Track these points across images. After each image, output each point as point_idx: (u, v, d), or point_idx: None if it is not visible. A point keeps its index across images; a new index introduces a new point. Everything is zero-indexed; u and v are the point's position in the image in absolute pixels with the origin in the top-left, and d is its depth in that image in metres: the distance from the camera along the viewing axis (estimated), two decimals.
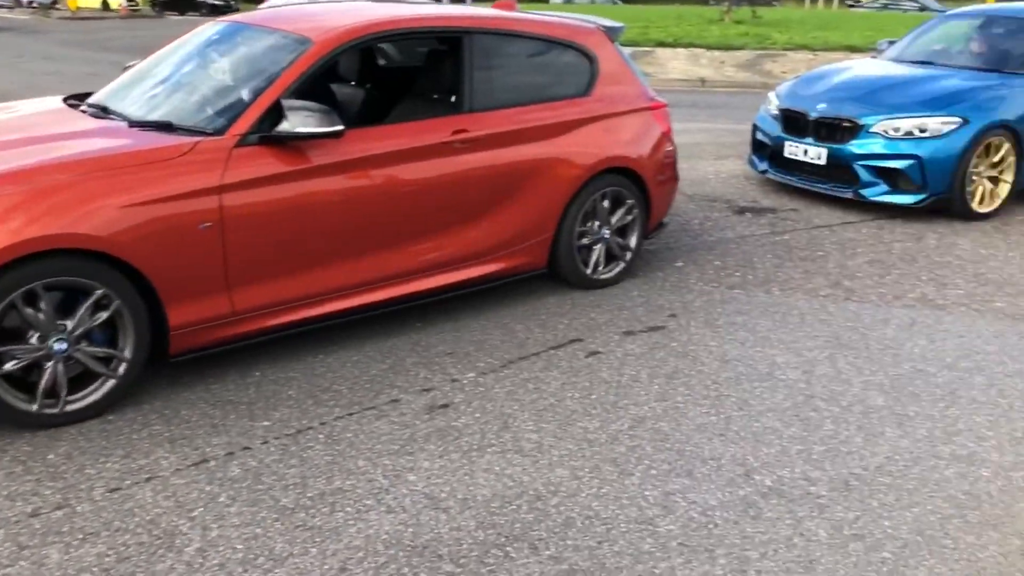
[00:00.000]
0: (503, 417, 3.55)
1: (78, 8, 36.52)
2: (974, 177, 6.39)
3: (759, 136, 7.35)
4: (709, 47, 17.49)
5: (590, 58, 4.92)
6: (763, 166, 7.27)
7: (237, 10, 42.95)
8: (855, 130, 6.48)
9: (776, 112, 7.16)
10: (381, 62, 5.44)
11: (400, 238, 4.15)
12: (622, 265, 5.04)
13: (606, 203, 4.88)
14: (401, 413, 3.56)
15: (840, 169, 6.58)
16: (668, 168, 5.25)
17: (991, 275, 5.38)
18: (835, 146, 6.57)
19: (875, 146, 6.41)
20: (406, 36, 4.66)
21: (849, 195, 6.57)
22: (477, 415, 3.56)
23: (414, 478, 3.12)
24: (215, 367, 3.87)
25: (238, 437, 3.34)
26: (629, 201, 4.97)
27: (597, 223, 4.88)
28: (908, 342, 4.38)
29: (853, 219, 6.48)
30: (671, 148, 5.26)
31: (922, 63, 7.49)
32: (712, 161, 8.35)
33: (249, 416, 3.50)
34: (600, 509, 2.96)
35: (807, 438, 3.44)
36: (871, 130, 6.42)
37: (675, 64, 16.61)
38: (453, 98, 4.44)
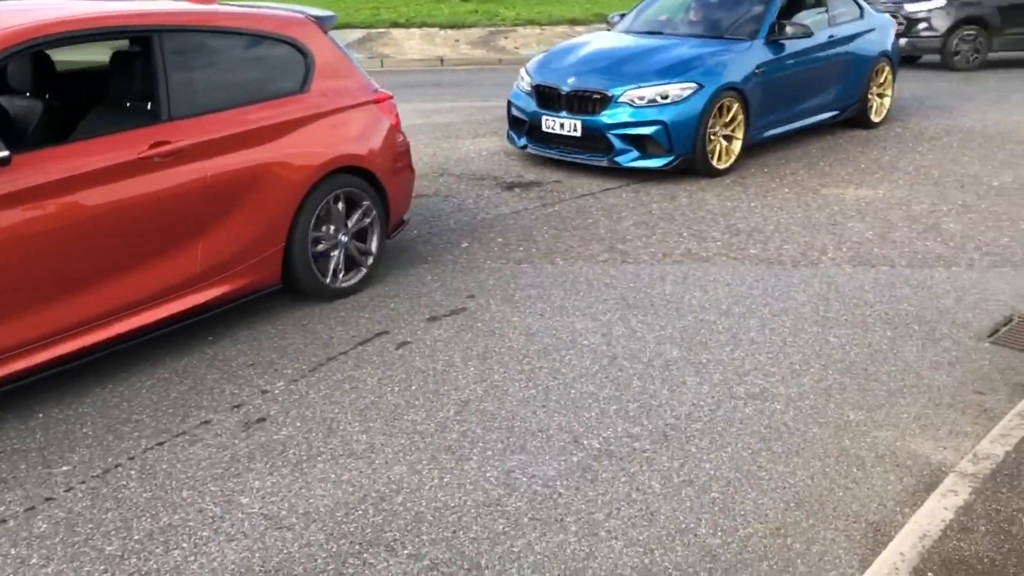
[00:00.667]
0: (326, 422, 3.45)
1: None
2: (711, 137, 6.94)
3: (515, 112, 7.56)
4: (442, 26, 17.70)
5: (303, 52, 4.57)
6: (522, 141, 7.49)
7: None
8: (604, 101, 6.84)
9: (529, 88, 7.41)
10: (62, 69, 4.71)
11: (100, 273, 3.62)
12: (364, 271, 4.78)
13: (340, 206, 4.59)
14: (216, 434, 3.35)
15: (594, 139, 6.93)
16: (401, 162, 5.04)
17: (740, 225, 5.92)
18: (588, 118, 6.90)
19: (624, 115, 6.79)
20: (86, 38, 3.83)
21: (604, 163, 6.96)
22: (298, 424, 3.43)
23: (247, 500, 2.95)
24: None
25: (36, 488, 3.00)
26: (365, 202, 4.72)
27: (333, 228, 4.58)
28: (686, 295, 4.73)
29: (612, 185, 6.86)
30: (402, 140, 5.05)
31: (652, 33, 8.02)
32: (471, 139, 8.49)
33: (43, 463, 3.15)
34: (447, 499, 2.97)
35: (620, 397, 3.63)
36: (619, 100, 6.80)
37: (411, 44, 16.65)
38: (149, 106, 3.93)
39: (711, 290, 4.80)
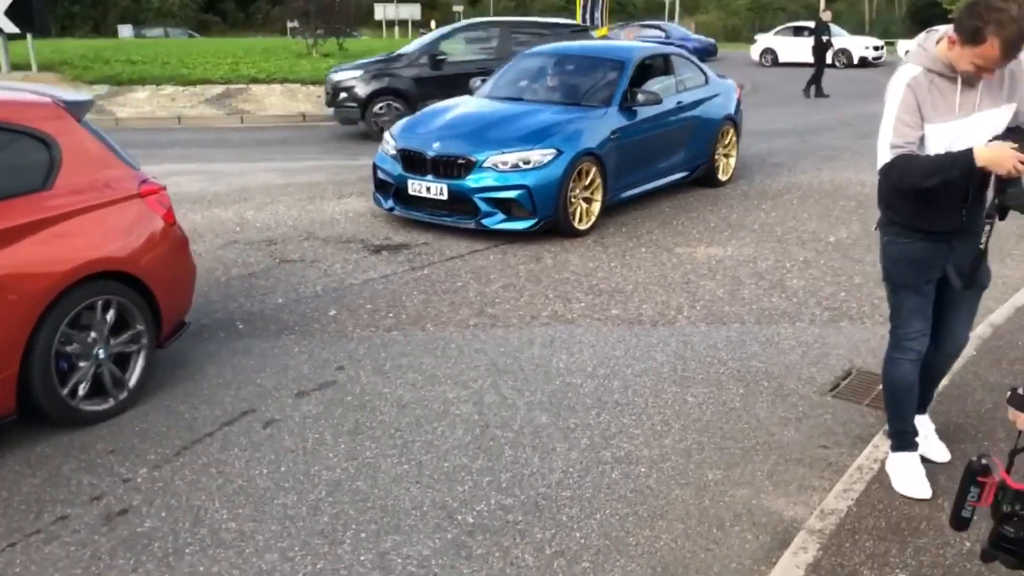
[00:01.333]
0: (193, 510, 3.35)
1: None
2: (572, 199, 7.22)
3: (381, 176, 7.68)
4: (303, 82, 17.64)
5: (46, 143, 3.95)
6: (389, 204, 7.61)
7: None
8: (470, 166, 7.06)
9: (395, 152, 7.54)
10: None
11: None
12: (112, 403, 4.09)
13: (100, 315, 4.01)
14: (74, 531, 3.21)
15: (461, 202, 7.13)
16: (176, 261, 4.50)
17: (602, 285, 6.15)
18: (454, 182, 7.10)
19: (489, 179, 7.03)
20: None
21: (472, 225, 7.14)
22: (163, 514, 3.33)
23: None
24: None
25: None
26: (128, 317, 4.14)
27: (88, 340, 3.98)
28: (553, 358, 4.87)
29: (480, 247, 7.00)
30: (178, 235, 4.53)
31: (513, 99, 8.34)
32: (337, 200, 8.48)
33: None
34: None
35: (493, 468, 3.70)
36: (483, 165, 7.04)
37: (272, 100, 16.51)
38: None
39: (577, 352, 4.96)
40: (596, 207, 7.51)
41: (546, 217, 7.07)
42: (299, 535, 3.22)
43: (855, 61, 29.65)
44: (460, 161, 7.09)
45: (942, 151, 3.04)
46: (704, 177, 9.24)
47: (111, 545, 3.13)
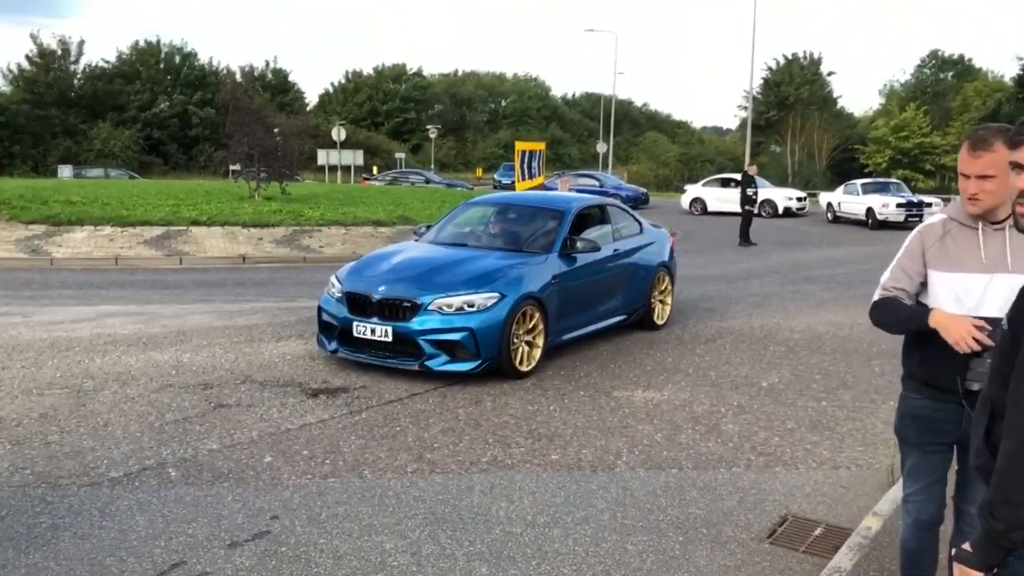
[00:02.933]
0: None
1: None
2: (515, 341, 7.41)
3: (325, 318, 7.79)
4: (245, 224, 17.81)
5: None
6: (333, 346, 7.68)
7: None
8: (415, 308, 7.24)
9: (340, 295, 7.69)
10: None
11: None
12: None
13: None
14: None
15: (406, 344, 7.26)
16: None
17: (542, 430, 6.18)
18: (399, 324, 7.25)
19: (433, 322, 7.19)
20: None
21: (415, 367, 7.23)
22: None
23: None
24: None
25: None
26: None
27: None
28: (493, 506, 4.83)
29: (419, 390, 7.01)
30: None
31: (457, 245, 8.68)
32: (275, 343, 8.45)
33: None
34: None
35: None
36: (429, 308, 7.23)
37: (213, 242, 16.58)
38: None
39: (516, 499, 4.93)
40: (538, 351, 7.69)
41: (490, 359, 7.22)
42: None
43: (780, 211, 31.09)
44: (406, 304, 7.26)
45: (950, 299, 2.98)
46: (641, 321, 9.56)
47: None
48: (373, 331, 7.34)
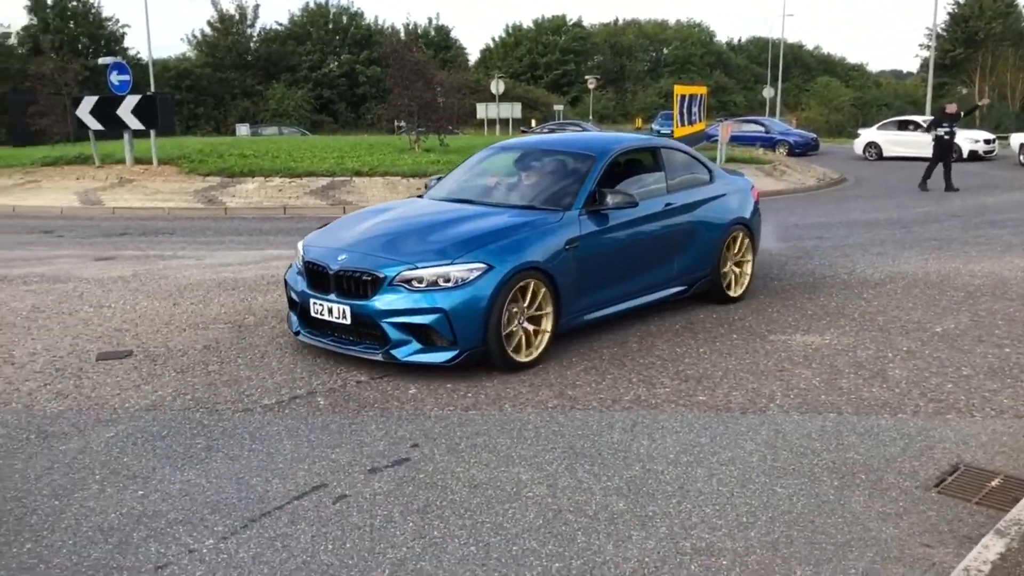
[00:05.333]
0: None
1: None
2: (511, 324, 5.82)
3: (291, 294, 6.40)
4: (404, 174, 18.17)
5: None
6: (295, 327, 6.35)
7: None
8: (376, 283, 5.71)
9: (301, 266, 6.31)
10: None
11: None
12: None
13: None
14: None
15: (367, 327, 5.78)
16: None
17: (689, 371, 5.93)
18: (357, 302, 5.76)
19: (398, 300, 5.64)
20: None
21: (379, 357, 5.73)
22: None
23: None
24: None
25: None
26: None
27: None
28: (634, 443, 4.67)
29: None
30: None
31: (461, 201, 6.94)
32: None
33: None
34: None
35: (563, 554, 3.51)
36: (393, 283, 5.67)
37: (374, 192, 17.01)
38: None
39: (659, 438, 4.75)
40: (545, 336, 6.06)
41: (470, 348, 5.64)
42: None
43: (965, 155, 28.77)
44: (365, 278, 5.74)
45: None
46: (708, 292, 7.75)
47: None
48: (330, 310, 5.89)
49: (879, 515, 3.84)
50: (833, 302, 7.96)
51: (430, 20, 76.54)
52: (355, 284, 5.80)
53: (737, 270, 7.99)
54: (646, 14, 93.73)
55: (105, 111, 18.43)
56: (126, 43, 63.34)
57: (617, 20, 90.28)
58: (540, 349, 6.03)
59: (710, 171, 8.00)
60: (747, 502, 3.98)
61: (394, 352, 5.68)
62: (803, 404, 5.28)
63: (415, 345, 5.66)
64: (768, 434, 4.80)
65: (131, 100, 18.29)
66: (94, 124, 18.71)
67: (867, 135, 32.13)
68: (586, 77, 64.41)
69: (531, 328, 5.98)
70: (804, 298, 8.13)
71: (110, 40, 60.33)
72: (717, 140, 23.33)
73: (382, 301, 5.66)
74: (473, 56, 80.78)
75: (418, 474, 4.26)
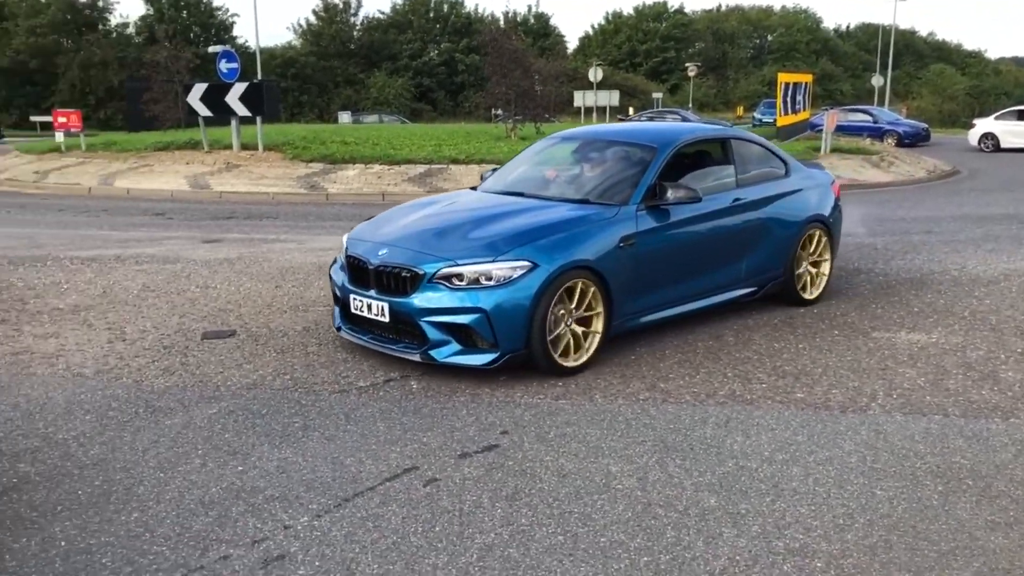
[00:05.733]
0: (345, 563, 3.35)
1: None
2: (557, 327, 5.50)
3: (335, 288, 6.21)
4: (499, 162, 18.22)
5: None
6: (338, 323, 6.18)
7: (2, 137, 40.44)
8: (415, 280, 5.45)
9: (343, 260, 6.15)
10: None
11: None
12: None
13: None
14: (233, 570, 3.27)
15: (407, 326, 5.55)
16: None
17: (787, 367, 5.78)
18: (396, 299, 5.52)
19: (439, 298, 5.37)
20: None
21: (417, 357, 5.47)
22: (317, 563, 3.34)
23: None
24: (18, 537, 3.42)
25: None
26: None
27: None
28: (727, 439, 4.58)
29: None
30: None
31: (514, 194, 6.63)
32: None
33: None
34: None
35: (652, 548, 3.47)
36: (433, 280, 5.40)
37: (470, 179, 17.12)
38: None
39: (753, 435, 4.64)
40: (595, 339, 5.73)
41: (512, 351, 5.34)
42: None
43: None
44: (404, 274, 5.48)
45: None
46: (781, 294, 7.28)
47: None
48: (369, 307, 5.68)
49: (987, 524, 3.67)
50: (941, 299, 7.63)
51: (529, 8, 76.99)
52: (394, 280, 5.55)
53: (813, 271, 7.48)
54: (750, 0, 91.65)
55: (214, 98, 19.08)
56: (235, 32, 65.36)
57: (720, 6, 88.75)
58: (590, 352, 5.70)
59: (786, 164, 7.46)
60: (844, 504, 3.85)
61: (432, 353, 5.42)
62: (907, 405, 5.08)
63: (454, 346, 5.39)
64: (868, 434, 4.64)
65: (239, 87, 18.87)
66: (203, 110, 19.39)
67: (983, 125, 30.64)
68: (686, 65, 63.40)
69: (580, 330, 5.65)
70: (910, 294, 7.82)
71: (220, 29, 62.55)
72: (822, 130, 22.63)
73: (421, 299, 5.40)
74: (572, 44, 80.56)
75: (507, 461, 4.27)
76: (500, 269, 5.33)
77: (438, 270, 5.39)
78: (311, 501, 3.85)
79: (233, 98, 18.82)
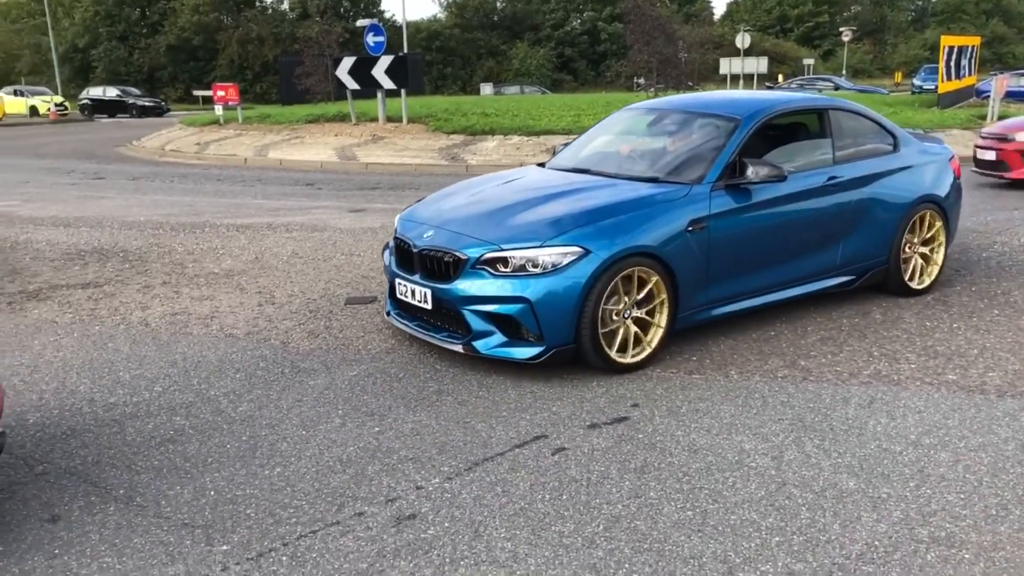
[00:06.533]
0: (473, 525, 3.42)
1: (4, 115, 36.15)
2: (613, 319, 5.02)
3: (386, 272, 5.91)
4: None
5: None
6: (388, 306, 5.85)
7: (168, 110, 43.03)
8: (459, 265, 5.04)
9: (392, 242, 5.79)
10: None
11: None
12: None
13: None
14: (367, 527, 3.40)
15: (449, 315, 5.17)
16: None
17: (939, 347, 5.46)
18: (439, 285, 5.13)
19: (482, 286, 4.94)
20: None
21: (459, 348, 5.08)
22: (446, 525, 3.42)
23: None
24: (173, 485, 3.68)
25: (196, 565, 3.14)
26: None
27: None
28: (870, 420, 4.38)
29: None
30: None
31: (579, 171, 6.09)
32: None
33: (206, 540, 3.31)
34: None
35: (785, 528, 3.37)
36: (476, 265, 4.98)
37: None
38: None
39: (899, 417, 4.42)
40: (658, 333, 5.17)
41: (559, 344, 4.88)
42: (571, 565, 3.14)
43: None
44: (447, 258, 5.09)
45: None
46: (884, 283, 6.54)
47: (396, 546, 3.27)
48: (413, 292, 5.33)
49: None
50: None
51: None
52: (438, 264, 5.16)
53: (918, 259, 6.65)
54: None
55: (361, 71, 19.62)
56: (383, 6, 66.92)
57: None
58: (652, 347, 5.16)
59: (895, 138, 6.60)
60: (998, 493, 3.62)
61: (476, 344, 5.01)
62: None
63: (499, 337, 4.96)
64: None
65: (384, 60, 19.33)
66: (351, 84, 19.98)
67: None
68: (841, 29, 60.40)
69: (635, 328, 5.12)
70: None
71: (369, 3, 64.17)
72: (989, 96, 21.12)
73: (464, 285, 4.99)
74: (719, 10, 78.21)
75: (637, 434, 4.24)
76: (548, 255, 4.86)
77: (482, 255, 4.98)
78: (443, 464, 3.94)
79: (379, 71, 19.30)
